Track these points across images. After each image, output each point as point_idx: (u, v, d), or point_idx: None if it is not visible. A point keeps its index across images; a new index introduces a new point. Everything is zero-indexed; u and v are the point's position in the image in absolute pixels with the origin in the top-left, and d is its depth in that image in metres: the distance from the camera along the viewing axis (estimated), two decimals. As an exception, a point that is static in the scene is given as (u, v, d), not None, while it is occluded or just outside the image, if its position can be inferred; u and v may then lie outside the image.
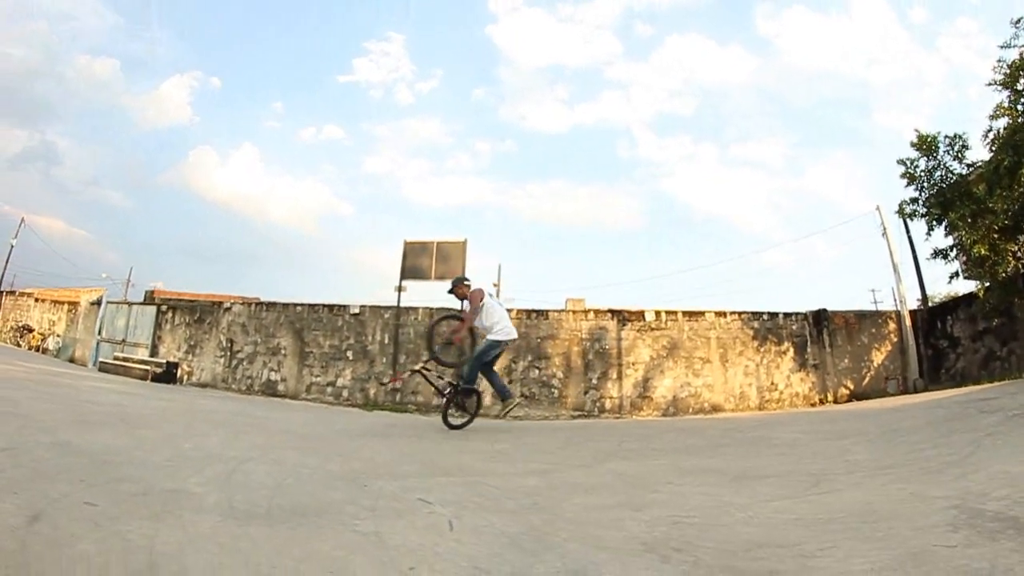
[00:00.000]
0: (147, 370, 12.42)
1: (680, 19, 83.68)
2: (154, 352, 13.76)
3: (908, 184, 10.15)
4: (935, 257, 10.22)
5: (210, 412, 6.86)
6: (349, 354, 12.00)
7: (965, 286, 11.22)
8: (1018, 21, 8.48)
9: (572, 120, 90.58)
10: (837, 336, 11.90)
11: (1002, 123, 8.98)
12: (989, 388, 7.13)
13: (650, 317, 11.82)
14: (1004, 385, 7.33)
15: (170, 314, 14.08)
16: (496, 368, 6.49)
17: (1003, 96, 8.91)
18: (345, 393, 11.68)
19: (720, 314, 11.97)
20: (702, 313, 11.97)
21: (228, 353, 12.73)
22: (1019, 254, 9.08)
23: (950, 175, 9.78)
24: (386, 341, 11.94)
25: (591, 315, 11.85)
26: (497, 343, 5.98)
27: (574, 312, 11.83)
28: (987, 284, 9.36)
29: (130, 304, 16.04)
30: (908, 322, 11.84)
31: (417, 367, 6.82)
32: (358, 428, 6.60)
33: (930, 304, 13.54)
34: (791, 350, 11.81)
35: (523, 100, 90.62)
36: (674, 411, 11.13)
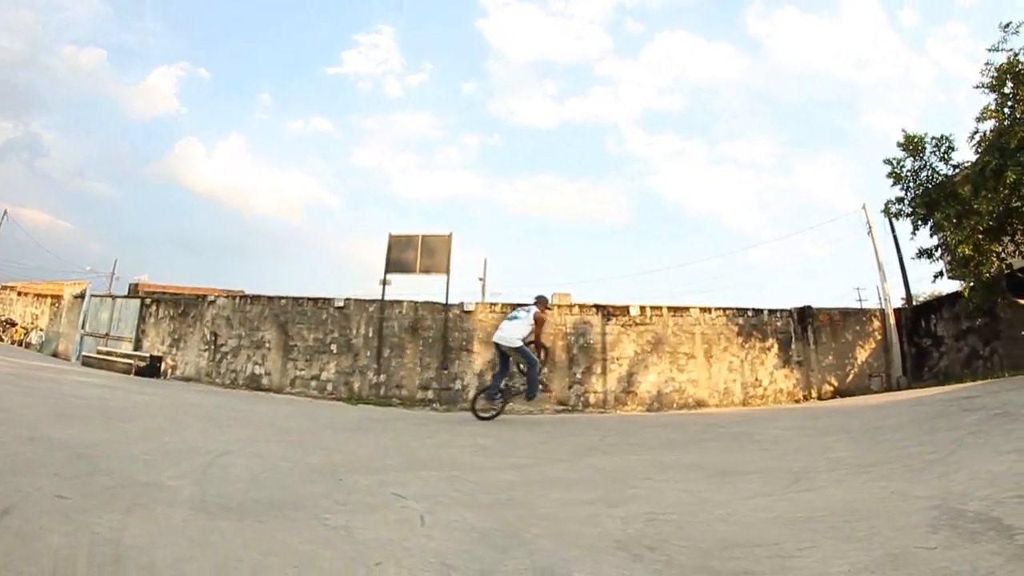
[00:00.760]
0: (131, 364, 12.28)
1: (671, 16, 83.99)
2: (138, 346, 13.58)
3: (894, 184, 10.21)
4: (920, 256, 10.33)
5: (193, 406, 6.78)
6: (333, 348, 11.89)
7: (949, 286, 11.31)
8: (1007, 25, 8.55)
9: (561, 115, 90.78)
10: (822, 333, 11.96)
11: (988, 125, 9.07)
12: (972, 387, 7.21)
13: (635, 312, 11.81)
14: (986, 384, 7.41)
15: (154, 307, 13.90)
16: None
17: (990, 99, 8.99)
18: (329, 387, 11.59)
19: (705, 310, 11.97)
20: (687, 309, 11.96)
21: (212, 347, 12.58)
22: (1003, 255, 9.19)
23: (936, 176, 9.85)
24: (370, 335, 11.84)
25: (576, 309, 11.82)
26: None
27: (559, 306, 11.79)
28: (971, 284, 9.44)
29: (114, 297, 15.83)
30: (892, 320, 11.95)
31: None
32: (343, 422, 6.56)
33: (914, 303, 13.65)
34: (775, 347, 11.85)
35: (513, 95, 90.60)
36: (658, 406, 11.13)
